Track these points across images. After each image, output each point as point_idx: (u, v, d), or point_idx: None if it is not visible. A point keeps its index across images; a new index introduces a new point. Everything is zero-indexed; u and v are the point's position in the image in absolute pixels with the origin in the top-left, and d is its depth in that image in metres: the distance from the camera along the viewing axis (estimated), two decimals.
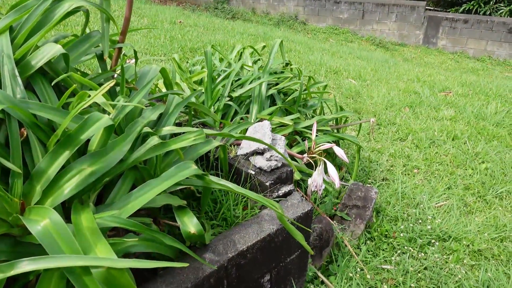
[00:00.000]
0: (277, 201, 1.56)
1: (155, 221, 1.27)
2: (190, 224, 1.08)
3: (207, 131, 1.28)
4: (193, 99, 2.06)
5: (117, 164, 1.01)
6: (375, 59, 7.47)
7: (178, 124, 1.88)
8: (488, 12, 10.82)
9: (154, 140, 1.06)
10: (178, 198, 1.15)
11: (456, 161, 3.24)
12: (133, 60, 2.00)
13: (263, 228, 1.39)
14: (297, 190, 1.90)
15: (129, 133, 1.06)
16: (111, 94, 1.29)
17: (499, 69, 9.17)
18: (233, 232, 1.36)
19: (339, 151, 1.76)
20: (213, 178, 1.14)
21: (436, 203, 2.70)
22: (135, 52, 1.38)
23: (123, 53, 1.48)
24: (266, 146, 1.52)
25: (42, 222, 0.78)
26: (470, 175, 3.07)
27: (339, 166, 2.77)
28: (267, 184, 1.53)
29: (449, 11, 11.44)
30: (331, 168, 1.68)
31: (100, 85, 1.22)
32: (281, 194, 1.57)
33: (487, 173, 3.09)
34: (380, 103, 4.43)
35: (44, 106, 1.01)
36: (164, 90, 1.93)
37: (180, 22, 7.96)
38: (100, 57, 1.35)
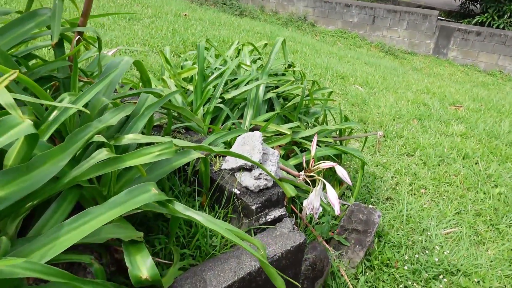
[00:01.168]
0: (264, 229, 1.31)
1: (107, 250, 1.02)
2: (142, 266, 0.83)
3: (180, 142, 1.02)
4: (179, 99, 1.81)
5: (49, 183, 0.76)
6: (384, 66, 7.20)
7: (159, 128, 1.62)
8: (501, 26, 10.53)
9: (101, 154, 0.81)
10: (132, 228, 0.90)
11: (466, 182, 2.98)
12: (113, 51, 1.75)
13: (242, 264, 1.13)
14: (289, 215, 1.65)
15: (71, 143, 0.80)
16: (62, 90, 1.03)
17: (510, 85, 8.89)
18: (205, 268, 1.11)
19: (341, 172, 1.51)
20: (178, 207, 0.89)
21: (444, 230, 2.44)
22: (99, 39, 1.12)
23: (101, 45, 1.23)
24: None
25: None
26: (481, 199, 2.81)
27: (339, 181, 2.51)
28: (253, 208, 1.27)
29: (461, 22, 11.15)
30: (331, 191, 1.43)
31: (50, 78, 0.96)
32: (269, 220, 1.32)
33: (500, 198, 2.83)
34: (387, 113, 4.17)
35: None
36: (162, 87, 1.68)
37: (185, 15, 7.70)
38: (59, 44, 1.09)
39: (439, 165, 3.22)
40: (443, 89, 5.79)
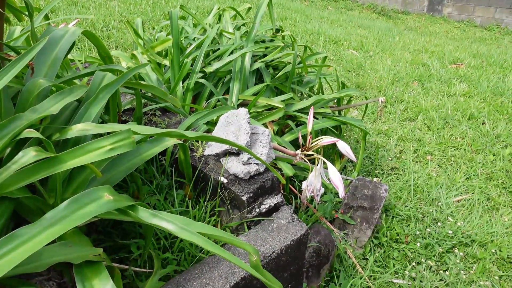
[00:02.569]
0: (259, 221, 1.12)
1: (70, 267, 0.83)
2: None
3: (144, 129, 0.81)
4: (153, 77, 1.58)
5: None
6: (378, 28, 6.87)
7: (131, 112, 1.40)
8: None
9: (28, 156, 0.61)
10: (87, 243, 0.71)
11: (474, 145, 2.80)
12: (71, 24, 1.50)
13: (235, 268, 0.95)
14: (288, 197, 1.47)
15: None
16: None
17: (508, 38, 8.60)
18: (190, 276, 0.92)
19: (344, 148, 1.31)
20: (143, 213, 0.69)
21: (455, 198, 2.28)
22: (27, 4, 0.88)
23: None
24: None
25: None
26: (491, 162, 2.63)
27: (339, 154, 2.32)
28: (244, 198, 1.08)
29: None
30: (333, 172, 1.23)
31: None
32: (264, 211, 1.13)
33: (511, 159, 2.66)
34: (385, 77, 3.93)
35: None
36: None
37: None
38: None
39: (444, 128, 3.03)
40: (441, 47, 5.53)
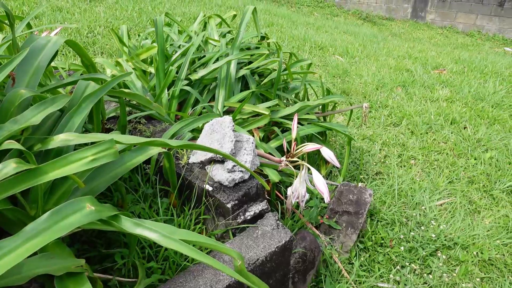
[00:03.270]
0: (244, 228, 1.13)
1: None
2: None
3: (128, 138, 0.81)
4: (138, 84, 1.58)
5: None
6: (363, 34, 6.98)
7: (116, 120, 1.40)
8: None
9: (8, 168, 0.60)
10: (69, 254, 0.70)
11: (456, 149, 2.87)
12: (55, 32, 1.49)
13: (220, 275, 0.96)
14: (274, 203, 1.48)
15: None
16: None
17: (489, 44, 8.83)
18: (175, 285, 0.93)
19: (328, 155, 1.33)
20: (126, 223, 0.69)
21: (438, 201, 2.32)
22: (8, 14, 0.88)
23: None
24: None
25: None
26: (473, 165, 2.70)
27: (325, 159, 2.34)
28: (229, 206, 1.09)
29: None
30: (317, 178, 1.25)
31: None
32: (249, 218, 1.14)
33: (491, 162, 2.73)
34: (370, 82, 4.00)
35: None
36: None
37: None
38: None
39: (427, 133, 3.09)
40: (425, 53, 5.65)
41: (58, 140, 0.78)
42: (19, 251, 0.58)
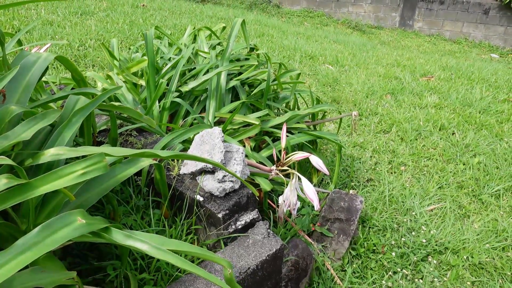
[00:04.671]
0: (235, 238, 1.14)
1: None
2: None
3: (118, 151, 0.83)
4: (129, 97, 1.60)
5: None
6: (352, 43, 7.09)
7: (106, 132, 1.41)
8: None
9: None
10: (60, 267, 0.71)
11: (445, 155, 2.92)
12: (44, 48, 1.51)
13: (211, 286, 0.96)
14: (267, 211, 1.50)
15: None
16: None
17: (475, 51, 9.02)
18: None
19: (317, 162, 1.36)
20: (117, 235, 0.70)
21: (428, 206, 2.35)
22: None
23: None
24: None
25: None
26: (462, 171, 2.74)
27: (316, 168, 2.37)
28: (220, 216, 1.10)
29: None
30: (307, 186, 1.27)
31: None
32: (240, 227, 1.15)
33: (480, 167, 2.78)
34: (360, 90, 4.06)
35: None
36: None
37: (143, 5, 7.31)
38: None
39: (416, 139, 3.14)
40: (413, 61, 5.75)
41: (49, 154, 0.79)
42: (10, 265, 0.59)
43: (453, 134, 3.25)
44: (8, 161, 0.68)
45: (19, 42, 1.32)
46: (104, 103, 1.04)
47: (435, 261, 1.93)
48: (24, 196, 0.65)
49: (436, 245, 2.03)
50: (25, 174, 0.69)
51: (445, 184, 2.59)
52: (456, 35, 9.89)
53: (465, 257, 2.00)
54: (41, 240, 0.62)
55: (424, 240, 2.01)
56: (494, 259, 2.02)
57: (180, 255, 0.74)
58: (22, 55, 1.02)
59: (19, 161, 0.79)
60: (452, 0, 9.64)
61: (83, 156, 0.90)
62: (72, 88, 1.61)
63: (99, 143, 1.38)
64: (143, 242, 0.72)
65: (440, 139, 3.14)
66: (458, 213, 2.35)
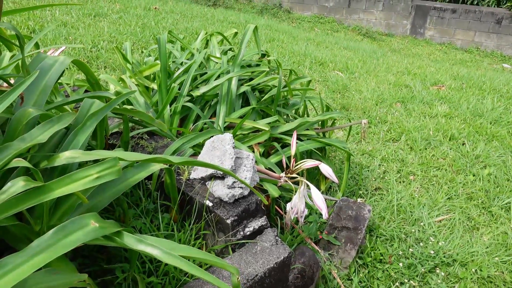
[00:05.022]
0: (243, 244, 1.15)
1: None
2: None
3: (131, 155, 0.84)
4: (141, 101, 1.61)
5: None
6: (362, 49, 7.08)
7: (118, 135, 1.43)
8: (475, 2, 10.54)
9: (17, 186, 0.63)
10: (72, 269, 0.72)
11: (455, 165, 2.89)
12: (60, 50, 1.54)
13: None
14: (274, 218, 1.49)
15: None
16: None
17: (487, 61, 8.94)
18: None
19: (326, 171, 1.36)
20: (128, 239, 0.71)
21: (437, 217, 2.33)
22: (19, 37, 0.92)
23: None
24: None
25: None
26: (472, 182, 2.71)
27: (324, 175, 2.36)
28: (228, 222, 1.11)
29: (436, 0, 11.12)
30: (316, 194, 1.27)
31: None
32: (248, 234, 1.15)
33: (490, 179, 2.75)
34: (369, 98, 4.04)
35: None
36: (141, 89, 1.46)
37: (155, 8, 7.39)
38: None
39: (426, 149, 3.12)
40: (423, 69, 5.72)
41: (64, 157, 0.81)
42: (25, 267, 0.60)
43: (463, 144, 3.22)
44: (25, 163, 0.70)
45: (36, 44, 1.34)
46: (118, 107, 1.06)
47: (443, 273, 1.90)
48: (40, 199, 0.66)
49: (444, 256, 2.00)
50: (41, 176, 0.71)
51: (454, 195, 2.56)
52: (468, 44, 9.81)
53: (473, 270, 1.97)
54: (55, 243, 0.63)
55: (432, 252, 1.99)
56: (503, 273, 2.00)
57: (189, 260, 0.75)
58: (39, 58, 1.04)
59: (34, 163, 0.81)
60: (465, 9, 9.58)
61: (97, 160, 0.91)
62: (86, 91, 1.63)
63: (111, 146, 1.39)
64: (154, 247, 0.73)
65: (450, 149, 3.12)
66: (467, 225, 2.32)
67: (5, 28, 1.02)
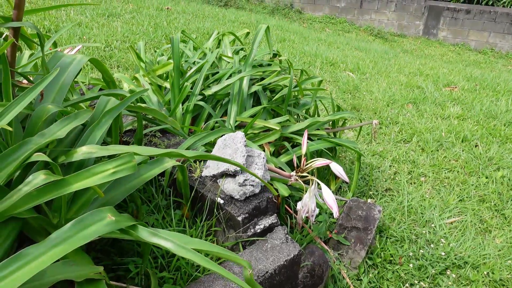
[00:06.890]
0: (253, 241, 1.16)
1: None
2: None
3: (146, 150, 0.86)
4: (154, 99, 1.64)
5: None
6: (374, 50, 7.04)
7: (132, 133, 1.46)
8: (490, 2, 10.37)
9: (38, 179, 0.65)
10: (88, 261, 0.74)
11: (467, 167, 2.86)
12: (76, 49, 1.57)
13: (230, 287, 0.98)
14: (284, 217, 1.50)
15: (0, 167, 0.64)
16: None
17: (502, 62, 8.79)
18: None
19: (337, 170, 1.36)
20: (143, 233, 0.73)
21: (448, 219, 2.31)
22: (39, 35, 0.95)
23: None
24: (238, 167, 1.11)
25: None
26: (484, 184, 2.68)
27: (335, 174, 2.36)
28: (239, 219, 1.12)
29: (450, 1, 10.98)
30: (327, 193, 1.28)
31: None
32: (258, 231, 1.17)
33: (503, 181, 2.71)
34: (380, 99, 4.02)
35: None
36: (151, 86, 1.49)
37: (168, 8, 7.46)
38: None
39: (437, 150, 3.09)
40: (436, 70, 5.66)
41: (81, 152, 0.83)
42: (44, 257, 0.63)
43: (476, 146, 3.18)
44: (45, 158, 0.72)
45: (54, 43, 1.38)
46: (132, 105, 1.08)
47: (454, 275, 1.89)
48: (59, 192, 0.69)
49: (455, 258, 1.99)
50: (60, 171, 0.73)
51: (466, 197, 2.54)
52: (482, 45, 9.67)
53: (485, 272, 1.95)
54: (74, 235, 0.65)
55: (443, 253, 1.98)
56: None
57: (201, 254, 0.77)
58: (57, 56, 1.06)
59: (52, 157, 0.83)
60: (479, 10, 9.43)
61: (110, 155, 0.93)
62: (100, 89, 1.66)
63: (124, 143, 1.42)
64: (167, 241, 0.75)
65: (463, 151, 3.08)
66: (479, 227, 2.30)
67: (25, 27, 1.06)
